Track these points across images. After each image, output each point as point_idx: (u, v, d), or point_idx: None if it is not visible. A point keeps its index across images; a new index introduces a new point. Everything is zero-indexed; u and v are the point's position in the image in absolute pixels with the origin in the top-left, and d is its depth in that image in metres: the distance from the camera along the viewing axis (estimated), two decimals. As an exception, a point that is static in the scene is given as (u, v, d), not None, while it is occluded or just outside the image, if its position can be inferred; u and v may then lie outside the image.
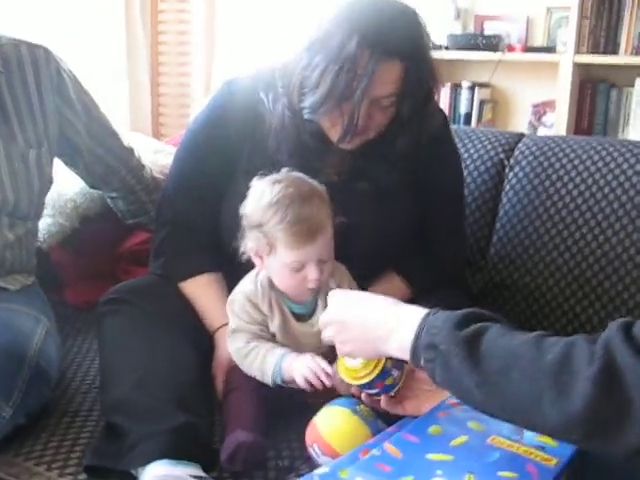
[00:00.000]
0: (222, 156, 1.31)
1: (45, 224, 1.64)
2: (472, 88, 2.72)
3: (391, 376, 0.98)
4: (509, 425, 0.88)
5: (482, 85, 2.75)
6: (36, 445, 1.11)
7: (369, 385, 0.98)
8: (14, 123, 1.35)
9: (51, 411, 1.20)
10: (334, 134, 1.22)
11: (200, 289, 1.31)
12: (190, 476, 0.96)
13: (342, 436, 1.01)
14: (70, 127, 1.46)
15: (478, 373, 0.76)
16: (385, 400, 1.02)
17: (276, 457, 1.09)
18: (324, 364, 1.07)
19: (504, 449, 0.83)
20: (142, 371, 1.10)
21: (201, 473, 0.98)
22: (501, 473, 0.77)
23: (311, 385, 1.07)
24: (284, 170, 1.16)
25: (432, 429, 0.87)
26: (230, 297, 1.19)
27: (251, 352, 1.13)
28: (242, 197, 1.24)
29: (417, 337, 0.84)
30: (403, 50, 1.15)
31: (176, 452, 0.99)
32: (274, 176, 1.15)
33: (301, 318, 1.18)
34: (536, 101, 2.71)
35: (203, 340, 1.26)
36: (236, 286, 1.19)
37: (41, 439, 1.12)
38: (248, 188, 1.21)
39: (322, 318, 1.01)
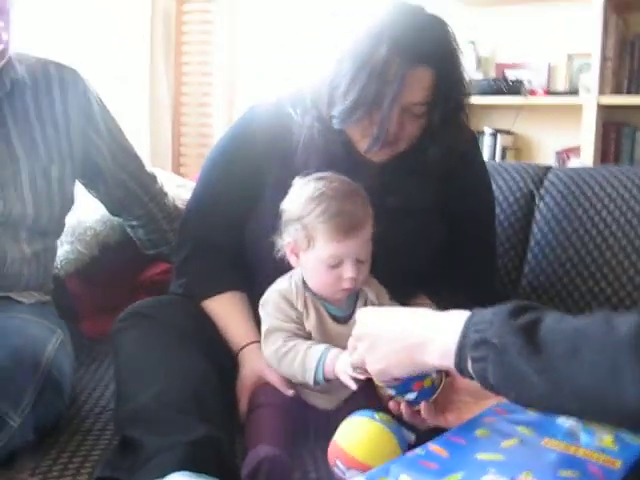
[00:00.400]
0: (248, 174, 1.28)
1: (63, 251, 1.60)
2: (494, 135, 2.70)
3: (429, 377, 0.91)
4: (563, 429, 0.81)
5: (504, 132, 2.74)
6: (44, 461, 1.03)
7: (405, 388, 0.91)
8: (38, 138, 1.34)
9: (62, 429, 1.13)
10: (364, 146, 1.19)
11: (224, 307, 1.25)
12: (210, 489, 0.88)
13: (364, 445, 0.94)
14: (94, 149, 1.45)
15: (541, 359, 0.68)
16: (426, 409, 0.94)
17: (303, 477, 1.01)
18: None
19: (561, 451, 0.75)
20: (161, 383, 1.04)
21: (221, 487, 0.90)
22: (562, 472, 0.69)
23: (356, 381, 1.00)
24: (328, 173, 1.13)
25: (479, 432, 0.80)
26: (263, 298, 1.14)
27: (291, 350, 1.08)
28: (269, 214, 1.21)
29: (463, 336, 0.76)
30: (433, 56, 1.13)
31: (196, 465, 0.91)
32: (319, 173, 1.13)
33: (338, 320, 1.13)
34: (559, 148, 2.69)
35: (225, 358, 1.19)
36: (268, 288, 1.14)
37: (50, 455, 1.05)
38: (275, 205, 1.18)
39: (350, 339, 0.95)
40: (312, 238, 1.08)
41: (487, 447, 0.75)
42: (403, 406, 0.97)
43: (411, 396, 0.92)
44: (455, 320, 0.78)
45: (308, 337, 1.11)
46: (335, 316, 1.13)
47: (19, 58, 1.35)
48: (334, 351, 1.05)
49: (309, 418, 1.11)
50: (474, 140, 1.41)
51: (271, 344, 1.11)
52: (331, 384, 1.07)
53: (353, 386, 1.00)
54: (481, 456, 0.73)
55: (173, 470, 0.90)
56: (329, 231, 1.06)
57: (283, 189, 1.16)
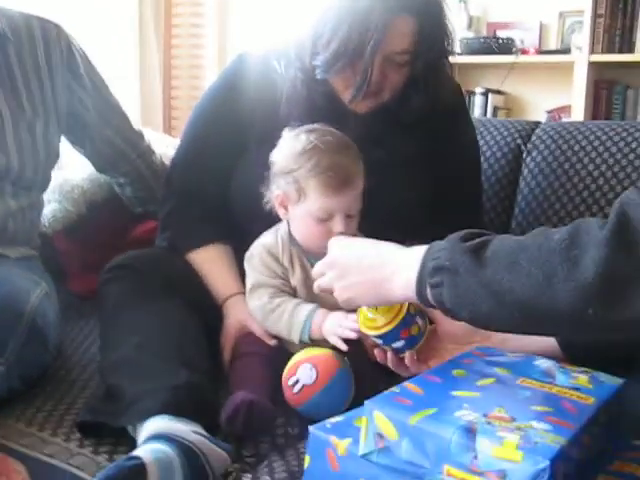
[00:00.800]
0: (234, 125, 1.27)
1: (51, 209, 1.60)
2: (485, 94, 2.69)
3: (416, 324, 0.92)
4: (539, 369, 0.82)
5: (495, 92, 2.72)
6: (29, 409, 1.04)
7: (393, 335, 0.91)
8: (22, 92, 1.32)
9: (48, 379, 1.14)
10: (347, 96, 1.18)
11: (209, 259, 1.26)
12: (192, 432, 0.89)
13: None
14: (79, 103, 1.44)
15: (486, 274, 0.71)
16: (410, 359, 0.94)
17: (285, 424, 1.03)
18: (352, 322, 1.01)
19: (536, 388, 0.76)
20: (144, 333, 1.05)
21: (203, 432, 0.91)
22: (534, 407, 0.70)
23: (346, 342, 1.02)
24: (317, 125, 1.12)
25: (456, 372, 0.80)
26: (248, 252, 1.14)
27: (278, 307, 1.08)
28: (253, 166, 1.21)
29: (422, 266, 0.78)
30: (416, 4, 1.12)
31: (177, 409, 0.92)
32: (309, 125, 1.11)
33: None
34: (550, 107, 2.67)
35: (210, 310, 1.20)
36: (254, 242, 1.15)
37: (35, 403, 1.06)
38: (259, 158, 1.18)
39: (319, 263, 0.94)
40: (303, 191, 1.07)
41: (463, 385, 0.76)
42: (389, 355, 0.97)
43: (399, 344, 0.93)
44: (417, 252, 0.81)
45: (294, 293, 1.11)
46: None
47: (0, 12, 1.34)
48: (321, 311, 1.06)
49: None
50: (460, 93, 1.40)
51: (257, 299, 1.11)
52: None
53: (343, 347, 1.01)
54: (456, 393, 0.74)
55: (154, 414, 0.91)
56: (321, 185, 1.05)
57: (267, 141, 1.15)
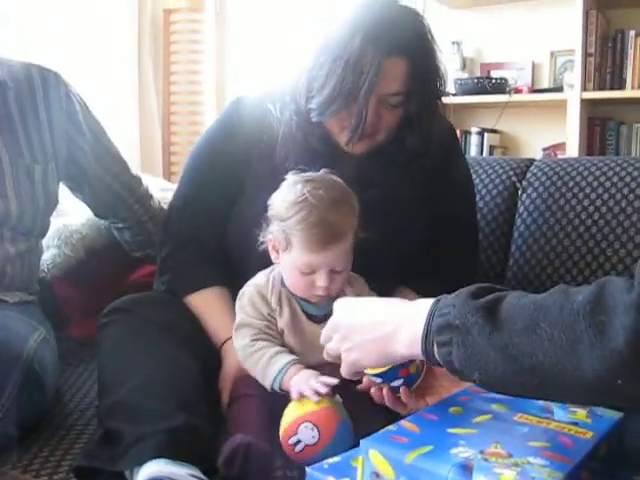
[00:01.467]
0: (230, 168, 1.29)
1: (50, 254, 1.61)
2: (481, 134, 2.72)
3: (414, 362, 0.91)
4: (537, 405, 0.82)
5: (491, 131, 2.76)
6: (25, 455, 1.03)
7: (392, 374, 0.90)
8: (21, 138, 1.34)
9: (45, 425, 1.13)
10: (343, 139, 1.20)
11: (208, 302, 1.26)
12: (190, 475, 0.88)
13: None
14: (78, 151, 1.46)
15: (501, 336, 0.67)
16: (406, 394, 0.93)
17: (284, 467, 1.01)
18: (325, 379, 0.99)
19: (533, 425, 0.76)
20: (142, 376, 1.04)
21: (201, 476, 0.90)
22: (531, 443, 0.70)
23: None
24: (322, 171, 1.12)
25: (453, 409, 0.80)
26: (241, 291, 1.14)
27: (257, 352, 1.07)
28: (250, 208, 1.22)
29: (428, 322, 0.75)
30: (407, 46, 1.15)
31: (174, 452, 0.91)
32: (309, 174, 1.11)
33: (313, 318, 1.12)
34: (546, 145, 2.70)
35: (208, 354, 1.19)
36: (248, 282, 1.15)
37: (31, 449, 1.05)
38: (255, 201, 1.19)
39: (325, 330, 0.94)
40: (290, 242, 1.07)
41: (459, 422, 0.76)
42: (385, 392, 0.97)
43: (397, 383, 0.92)
44: (422, 307, 0.77)
45: (278, 335, 1.10)
46: (310, 314, 1.12)
47: (0, 61, 1.37)
48: (296, 367, 1.04)
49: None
50: (453, 133, 1.42)
51: (240, 339, 1.10)
52: None
53: (314, 398, 0.99)
54: (453, 430, 0.73)
55: (151, 458, 0.90)
56: (305, 241, 1.05)
57: (263, 184, 1.17)
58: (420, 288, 1.29)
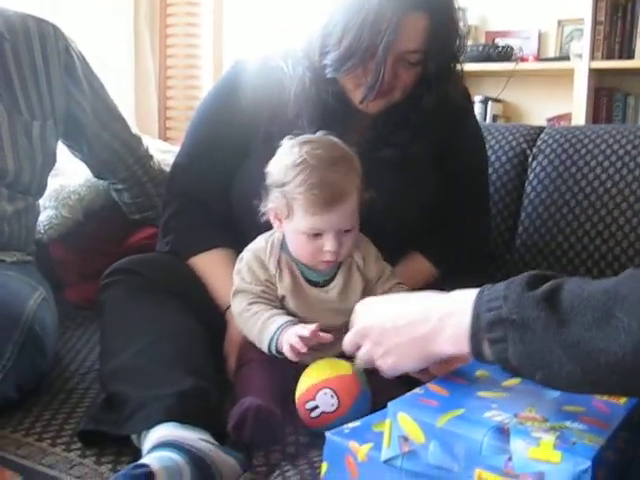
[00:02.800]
0: (237, 127, 1.24)
1: (47, 216, 1.56)
2: (485, 102, 2.68)
3: None
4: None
5: (494, 100, 2.71)
6: (26, 418, 1.00)
7: None
8: (19, 94, 1.29)
9: (45, 389, 1.10)
10: (357, 96, 1.15)
11: (211, 264, 1.22)
12: (201, 439, 0.84)
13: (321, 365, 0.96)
14: (77, 106, 1.40)
15: (569, 331, 0.60)
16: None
17: (296, 432, 0.98)
18: (302, 330, 0.95)
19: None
20: (146, 338, 1.01)
21: (211, 440, 0.87)
22: (566, 407, 0.67)
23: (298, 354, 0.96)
24: (319, 132, 1.08)
25: (479, 373, 0.77)
26: (240, 255, 1.10)
27: (253, 316, 1.03)
28: (257, 171, 1.17)
29: (476, 317, 0.68)
30: (427, 3, 1.09)
31: (183, 415, 0.88)
32: (306, 136, 1.06)
33: (314, 283, 1.08)
34: (550, 115, 2.66)
35: (213, 317, 1.16)
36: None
37: (32, 412, 1.02)
38: (266, 158, 1.15)
39: (349, 336, 0.87)
40: (291, 208, 1.02)
41: (488, 386, 0.72)
42: None
43: None
44: (463, 301, 0.71)
45: (276, 300, 1.06)
46: (310, 280, 1.08)
47: (-3, 10, 1.31)
48: (290, 327, 1.00)
49: (299, 375, 1.05)
50: (468, 96, 1.38)
51: (237, 305, 1.06)
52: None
53: (293, 358, 0.96)
54: (482, 394, 0.70)
55: (159, 422, 0.87)
56: (307, 204, 1.00)
57: (272, 144, 1.11)
58: (431, 252, 1.28)
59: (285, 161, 1.03)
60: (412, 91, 1.17)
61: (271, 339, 1.00)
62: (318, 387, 0.94)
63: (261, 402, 0.92)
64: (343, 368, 0.96)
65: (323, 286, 1.07)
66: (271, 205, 1.06)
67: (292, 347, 0.95)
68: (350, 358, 0.95)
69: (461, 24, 1.17)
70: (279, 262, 1.07)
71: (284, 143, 1.07)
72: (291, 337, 0.96)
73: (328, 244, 1.02)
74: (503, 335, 0.65)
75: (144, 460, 0.78)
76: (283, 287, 1.06)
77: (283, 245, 1.08)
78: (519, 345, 0.64)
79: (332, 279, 1.08)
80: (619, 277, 0.63)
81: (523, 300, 0.64)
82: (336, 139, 1.07)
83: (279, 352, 0.99)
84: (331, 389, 0.93)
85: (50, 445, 0.92)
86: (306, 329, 0.95)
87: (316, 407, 0.94)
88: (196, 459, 0.80)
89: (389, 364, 0.80)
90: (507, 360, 0.66)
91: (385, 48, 1.07)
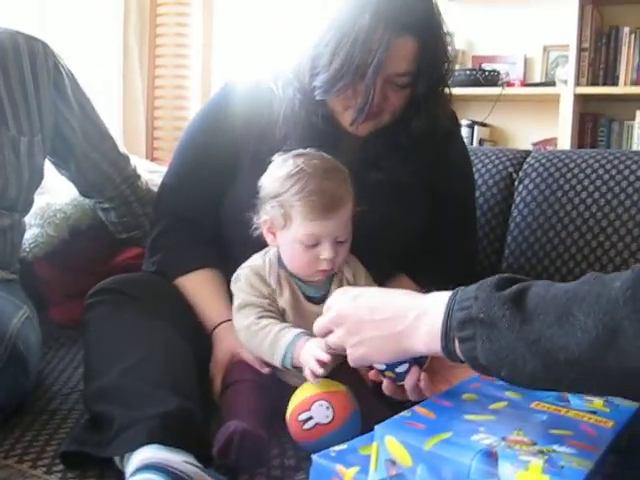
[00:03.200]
0: (225, 148, 1.24)
1: (32, 234, 1.54)
2: (471, 127, 2.70)
3: None
4: (552, 393, 0.79)
5: (481, 124, 2.73)
6: (7, 439, 0.97)
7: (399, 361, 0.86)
8: (7, 109, 1.28)
9: (27, 410, 1.07)
10: (347, 119, 1.16)
11: (198, 284, 1.21)
12: (184, 462, 0.83)
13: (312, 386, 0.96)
14: (65, 123, 1.40)
15: (531, 329, 0.62)
16: (424, 380, 0.88)
17: (281, 455, 0.97)
18: (320, 353, 0.94)
19: (551, 412, 0.72)
20: (131, 358, 0.99)
21: (195, 462, 0.85)
22: (554, 431, 0.67)
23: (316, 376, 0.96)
24: (308, 149, 1.09)
25: (466, 396, 0.77)
26: (234, 275, 1.10)
27: (262, 329, 1.03)
28: (245, 190, 1.18)
29: (448, 316, 0.70)
30: (417, 26, 1.11)
31: (167, 437, 0.86)
32: (298, 150, 1.08)
33: (312, 300, 1.09)
34: (536, 139, 2.69)
35: (199, 337, 1.15)
36: (241, 265, 1.10)
37: (13, 434, 0.99)
38: (252, 181, 1.15)
39: (321, 319, 0.89)
40: (289, 217, 1.03)
41: (475, 409, 0.72)
42: (385, 384, 0.92)
43: (403, 368, 0.87)
44: (439, 300, 0.73)
45: (281, 314, 1.07)
46: (308, 296, 1.09)
47: (-16, 28, 1.31)
48: (304, 340, 1.00)
49: (286, 396, 1.05)
50: (456, 120, 1.39)
51: (243, 319, 1.06)
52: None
53: (319, 370, 0.94)
54: (470, 417, 0.70)
55: (143, 444, 0.85)
56: (306, 210, 1.02)
57: (261, 164, 1.12)
58: (418, 275, 1.28)
59: (279, 173, 1.05)
60: (401, 114, 1.18)
61: (285, 352, 0.99)
62: (314, 399, 0.95)
63: (247, 426, 0.91)
64: (336, 386, 0.97)
65: (318, 302, 1.08)
66: (265, 217, 1.07)
67: (318, 361, 0.94)
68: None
69: (449, 48, 1.19)
70: (278, 278, 1.07)
71: (275, 158, 1.09)
72: (316, 352, 0.94)
73: (325, 252, 1.03)
74: (472, 334, 0.67)
75: (127, 483, 0.77)
76: (283, 301, 1.07)
77: (279, 262, 1.09)
78: (486, 343, 0.66)
79: (326, 295, 1.08)
80: (581, 279, 0.65)
81: (491, 300, 0.66)
82: (325, 154, 1.09)
83: (294, 366, 0.99)
84: (327, 401, 0.94)
85: (31, 467, 0.90)
86: (323, 353, 0.94)
87: (310, 418, 0.94)
88: (180, 482, 0.78)
89: (359, 354, 0.82)
90: (476, 358, 0.68)
91: (376, 68, 1.08)
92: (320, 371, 0.94)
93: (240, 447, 0.89)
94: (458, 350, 0.70)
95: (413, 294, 0.81)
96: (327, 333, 0.89)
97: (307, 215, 1.02)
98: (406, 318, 0.76)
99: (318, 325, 0.90)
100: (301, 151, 1.08)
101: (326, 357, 0.93)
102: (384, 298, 0.82)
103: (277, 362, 1.01)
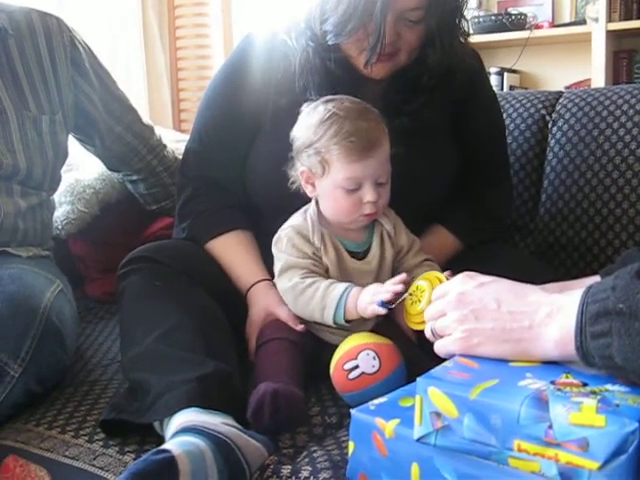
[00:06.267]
0: (247, 105, 1.21)
1: (63, 211, 1.55)
2: (500, 74, 2.61)
3: None
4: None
5: (510, 71, 2.65)
6: (49, 411, 0.99)
7: None
8: (25, 88, 1.27)
9: (68, 382, 1.08)
10: (362, 62, 1.11)
11: (231, 246, 1.19)
12: (224, 424, 0.82)
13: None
14: (86, 99, 1.39)
15: None
16: None
17: (322, 413, 0.96)
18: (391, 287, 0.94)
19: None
20: (168, 324, 0.98)
21: (235, 424, 0.84)
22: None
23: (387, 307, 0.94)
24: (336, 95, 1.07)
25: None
26: (276, 236, 1.07)
27: (309, 287, 1.01)
28: (270, 143, 1.16)
29: (581, 313, 0.62)
30: None
31: (206, 400, 0.86)
32: (326, 97, 1.06)
33: (355, 255, 1.06)
34: (568, 83, 2.59)
35: (233, 300, 1.13)
36: (282, 225, 1.08)
37: (55, 406, 1.00)
38: (275, 136, 1.13)
39: (438, 303, 0.79)
40: (327, 162, 1.01)
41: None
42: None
43: None
44: (573, 297, 0.65)
45: (326, 273, 1.04)
46: (352, 252, 1.07)
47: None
48: (357, 288, 0.98)
49: (323, 354, 1.03)
50: (478, 58, 1.33)
51: (287, 280, 1.04)
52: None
53: (382, 312, 0.94)
54: (514, 363, 0.67)
55: (182, 408, 0.85)
56: (344, 152, 0.99)
57: (284, 118, 1.10)
58: (455, 226, 1.25)
59: (311, 120, 1.03)
60: (419, 54, 1.14)
61: (337, 306, 0.98)
62: (361, 348, 0.94)
63: (278, 386, 0.89)
64: (383, 339, 0.96)
65: (362, 258, 1.06)
66: (302, 168, 1.05)
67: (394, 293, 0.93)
68: None
69: None
70: (322, 236, 1.05)
71: (303, 109, 1.07)
72: (375, 297, 0.94)
73: (368, 194, 1.01)
74: (608, 328, 0.59)
75: (165, 446, 0.76)
76: (328, 261, 1.05)
77: (321, 220, 1.07)
78: (625, 338, 0.57)
79: (368, 250, 1.07)
80: None
81: (632, 287, 0.58)
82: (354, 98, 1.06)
83: (346, 320, 0.98)
84: (374, 351, 0.93)
85: (73, 437, 0.91)
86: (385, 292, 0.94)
87: (356, 367, 0.93)
88: (219, 443, 0.77)
89: (469, 344, 0.71)
90: (611, 357, 0.59)
91: (383, 5, 1.04)
92: (382, 311, 0.93)
93: (273, 409, 0.87)
94: (592, 349, 0.61)
95: (549, 291, 0.72)
96: (439, 317, 0.79)
97: (346, 158, 0.99)
98: (537, 314, 0.67)
99: (432, 309, 0.80)
100: (329, 97, 1.06)
101: (390, 294, 0.92)
102: (516, 291, 0.73)
103: (329, 317, 0.99)
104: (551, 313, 0.66)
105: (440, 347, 0.75)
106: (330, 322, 1.00)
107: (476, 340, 0.71)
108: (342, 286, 0.99)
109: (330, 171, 1.01)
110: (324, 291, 0.99)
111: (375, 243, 1.07)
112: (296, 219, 1.07)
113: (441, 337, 0.76)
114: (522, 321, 0.68)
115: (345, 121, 1.00)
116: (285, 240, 1.05)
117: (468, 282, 0.76)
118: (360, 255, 1.06)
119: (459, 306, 0.74)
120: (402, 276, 0.95)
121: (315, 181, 1.04)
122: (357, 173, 1.00)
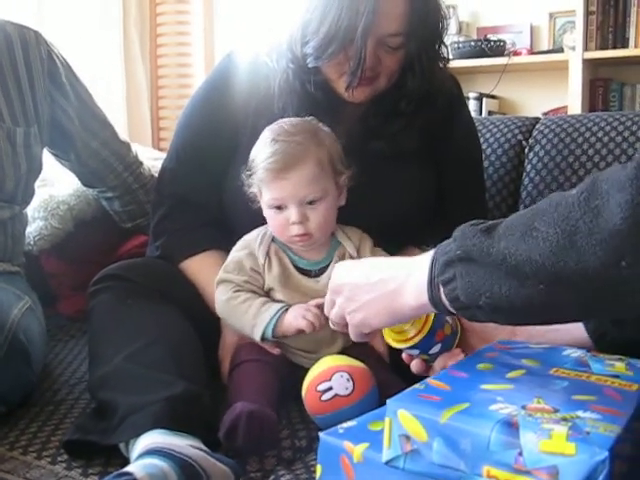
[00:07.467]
0: (225, 124, 1.21)
1: (37, 227, 1.52)
2: (479, 99, 2.64)
3: (447, 323, 0.85)
4: (571, 359, 0.75)
5: (489, 96, 2.68)
6: (12, 431, 0.96)
7: (428, 341, 0.83)
8: (0, 101, 1.25)
9: (33, 401, 1.06)
10: (342, 85, 1.12)
11: (205, 267, 1.18)
12: (190, 446, 0.80)
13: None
14: (62, 113, 1.37)
15: (499, 250, 0.63)
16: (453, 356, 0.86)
17: (292, 436, 0.94)
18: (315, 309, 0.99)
19: (572, 378, 0.69)
20: (136, 343, 0.97)
21: (202, 447, 0.82)
22: (576, 397, 0.63)
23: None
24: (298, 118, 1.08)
25: (481, 366, 0.73)
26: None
27: (243, 304, 1.04)
28: (245, 166, 1.15)
29: (431, 268, 0.70)
30: None
31: (173, 421, 0.83)
32: (287, 119, 1.08)
33: (305, 272, 1.07)
34: (546, 109, 2.63)
35: (205, 321, 1.12)
36: None
37: (18, 426, 0.97)
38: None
39: (327, 296, 0.86)
40: (260, 183, 1.05)
41: (492, 379, 0.68)
42: (416, 364, 0.90)
43: (435, 349, 0.85)
44: (426, 256, 0.73)
45: (261, 292, 1.07)
46: (303, 269, 1.07)
47: (-26, 19, 1.28)
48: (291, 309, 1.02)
49: (296, 377, 1.02)
50: (457, 84, 1.34)
51: (220, 294, 1.07)
52: (316, 341, 1.04)
53: (308, 329, 0.98)
54: (486, 387, 0.66)
55: (148, 429, 0.83)
56: (264, 173, 1.03)
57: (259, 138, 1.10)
58: (426, 244, 1.24)
59: (256, 144, 1.07)
60: (399, 79, 1.14)
61: (269, 323, 1.01)
62: (335, 369, 0.93)
63: (253, 407, 0.88)
64: (356, 362, 0.96)
65: (315, 276, 1.07)
66: (250, 190, 1.08)
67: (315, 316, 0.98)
68: None
69: (442, 6, 1.14)
70: (268, 251, 1.07)
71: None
72: (306, 312, 0.99)
73: (291, 215, 1.03)
74: (452, 275, 0.67)
75: (128, 468, 0.74)
76: (271, 277, 1.06)
77: (273, 235, 1.08)
78: (465, 278, 0.65)
79: (326, 268, 1.07)
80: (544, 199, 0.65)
81: (466, 234, 0.67)
82: (316, 121, 1.08)
83: (274, 337, 1.02)
84: (348, 373, 0.93)
85: (35, 458, 0.88)
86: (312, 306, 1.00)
87: (330, 389, 0.92)
88: (184, 466, 0.75)
89: (358, 319, 0.80)
90: (457, 298, 0.67)
91: (364, 30, 1.04)
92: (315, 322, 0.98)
93: (247, 429, 0.86)
94: (443, 296, 0.69)
95: (402, 258, 0.80)
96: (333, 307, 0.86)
97: (266, 180, 1.03)
98: (398, 276, 0.75)
99: (326, 302, 0.87)
100: (284, 119, 1.08)
101: (312, 314, 0.97)
102: (380, 262, 0.82)
103: (257, 333, 1.02)
104: (409, 273, 0.74)
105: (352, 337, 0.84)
106: (258, 338, 1.02)
107: (360, 315, 0.79)
108: (276, 306, 1.03)
109: (262, 192, 1.05)
110: (258, 309, 1.03)
111: (334, 262, 1.07)
112: (251, 233, 1.10)
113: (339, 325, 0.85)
114: (387, 285, 0.76)
115: (270, 143, 1.03)
116: (232, 252, 1.09)
117: (338, 269, 0.85)
118: (313, 273, 1.07)
119: (337, 291, 0.82)
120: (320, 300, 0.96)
121: (260, 200, 1.07)
122: (275, 194, 1.03)
